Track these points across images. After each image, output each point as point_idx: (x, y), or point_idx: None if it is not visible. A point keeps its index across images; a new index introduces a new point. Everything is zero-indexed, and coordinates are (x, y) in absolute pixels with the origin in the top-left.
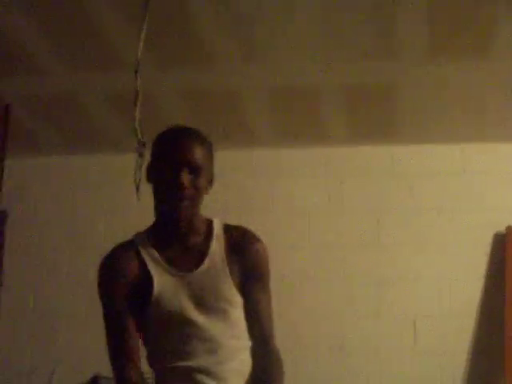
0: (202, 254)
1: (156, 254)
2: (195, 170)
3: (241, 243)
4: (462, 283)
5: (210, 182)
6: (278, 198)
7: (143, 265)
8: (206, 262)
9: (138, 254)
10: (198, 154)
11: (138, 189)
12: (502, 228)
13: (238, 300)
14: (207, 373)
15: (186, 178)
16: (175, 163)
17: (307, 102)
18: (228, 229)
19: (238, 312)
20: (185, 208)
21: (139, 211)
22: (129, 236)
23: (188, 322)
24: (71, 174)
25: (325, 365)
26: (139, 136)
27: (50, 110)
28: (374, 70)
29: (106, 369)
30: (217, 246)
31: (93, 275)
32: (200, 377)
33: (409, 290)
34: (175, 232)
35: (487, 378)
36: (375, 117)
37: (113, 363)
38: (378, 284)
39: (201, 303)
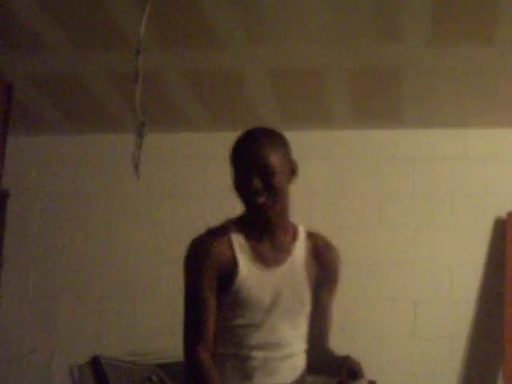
0: (286, 253)
1: (245, 244)
2: (266, 175)
3: (322, 250)
4: (462, 268)
5: (292, 171)
6: None
7: (232, 251)
8: (289, 261)
9: (229, 240)
10: (268, 158)
11: (137, 168)
12: (503, 213)
13: (308, 304)
14: (261, 367)
15: (256, 183)
16: (246, 169)
17: (311, 85)
18: (310, 235)
19: (304, 315)
20: (265, 206)
21: (140, 191)
22: (129, 216)
23: (261, 314)
24: (73, 152)
25: None
26: (139, 116)
27: (53, 89)
28: (377, 53)
29: (105, 350)
30: (300, 249)
31: (93, 255)
32: (253, 369)
33: (409, 274)
34: (265, 227)
35: (486, 362)
36: (378, 100)
37: (185, 341)
38: (379, 267)
39: (277, 299)
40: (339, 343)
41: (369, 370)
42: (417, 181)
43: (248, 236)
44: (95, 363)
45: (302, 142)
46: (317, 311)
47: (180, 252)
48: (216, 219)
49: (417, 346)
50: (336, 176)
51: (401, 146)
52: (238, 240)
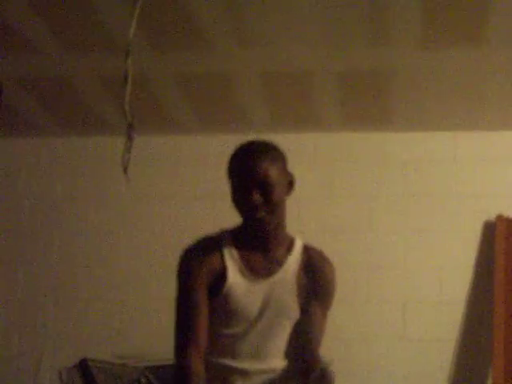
0: (278, 265)
1: (236, 254)
2: (266, 189)
3: (314, 263)
4: (451, 271)
5: (290, 184)
6: None
7: (223, 261)
8: (280, 273)
9: (221, 250)
10: (268, 172)
11: (125, 171)
12: (492, 216)
13: (294, 317)
14: (239, 379)
15: (256, 198)
16: (246, 184)
17: (301, 88)
18: (306, 249)
19: (286, 329)
20: (262, 220)
21: (129, 194)
22: (119, 219)
23: (247, 324)
24: (62, 155)
25: None
26: (129, 118)
27: (42, 91)
28: (367, 56)
29: (94, 352)
30: (293, 262)
31: (82, 258)
32: (235, 378)
33: (399, 276)
34: (260, 240)
35: (475, 364)
36: (368, 103)
37: (177, 350)
38: (369, 270)
39: (264, 310)
40: (329, 345)
41: (358, 372)
42: (406, 184)
43: (240, 248)
44: (83, 366)
45: (292, 145)
46: (303, 321)
47: (169, 255)
48: (205, 222)
49: (406, 349)
50: (326, 179)
51: (391, 148)
52: (229, 251)
